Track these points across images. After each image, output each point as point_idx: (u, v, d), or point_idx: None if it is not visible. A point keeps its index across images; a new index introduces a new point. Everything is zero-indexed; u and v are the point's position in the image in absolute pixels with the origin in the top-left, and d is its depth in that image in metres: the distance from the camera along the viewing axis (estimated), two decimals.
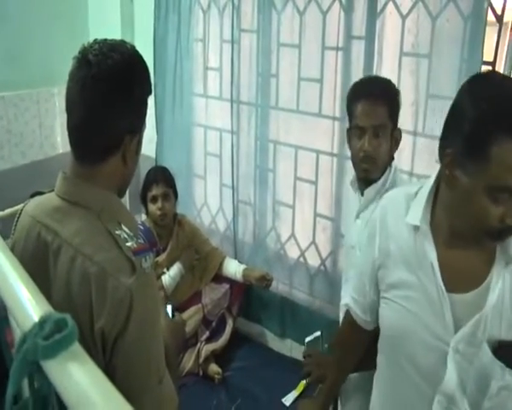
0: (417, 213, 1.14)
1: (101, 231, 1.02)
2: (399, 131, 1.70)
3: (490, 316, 1.04)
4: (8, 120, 2.88)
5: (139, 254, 1.01)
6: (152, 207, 2.71)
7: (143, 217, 3.29)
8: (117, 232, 1.03)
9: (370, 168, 1.68)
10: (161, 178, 2.72)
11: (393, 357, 1.23)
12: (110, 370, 1.00)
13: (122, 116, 1.05)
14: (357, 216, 1.76)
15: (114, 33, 3.15)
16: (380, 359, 1.33)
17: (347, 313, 1.46)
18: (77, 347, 0.68)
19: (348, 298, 1.44)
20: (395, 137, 1.68)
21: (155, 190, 2.69)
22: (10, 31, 2.88)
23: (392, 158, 1.72)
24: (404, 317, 1.16)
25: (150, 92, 1.14)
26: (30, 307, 0.77)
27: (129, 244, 1.02)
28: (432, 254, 1.11)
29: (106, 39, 1.08)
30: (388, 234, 1.22)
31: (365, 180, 1.71)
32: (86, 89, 1.02)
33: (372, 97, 1.64)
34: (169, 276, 2.71)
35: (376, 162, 1.67)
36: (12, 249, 1.09)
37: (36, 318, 0.73)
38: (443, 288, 1.08)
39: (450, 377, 1.07)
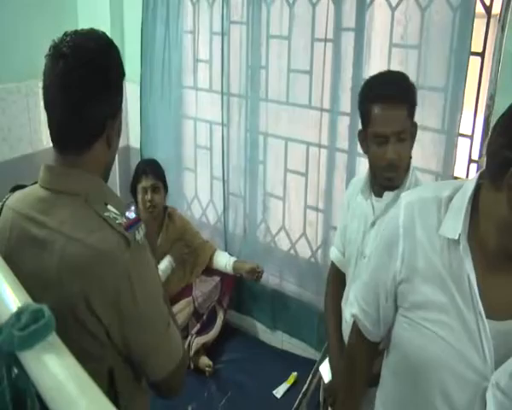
0: (456, 225, 1.00)
1: (90, 215, 1.03)
2: (415, 126, 1.58)
3: None
4: None
5: (131, 228, 1.03)
6: (141, 199, 2.70)
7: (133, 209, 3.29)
8: (106, 214, 1.04)
9: (395, 176, 1.57)
10: (151, 170, 2.71)
11: (416, 385, 1.10)
12: (123, 339, 1.06)
13: (103, 102, 1.06)
14: (373, 224, 1.65)
15: (103, 24, 3.13)
16: (391, 381, 1.24)
17: (355, 324, 1.34)
18: (54, 337, 0.67)
19: (356, 308, 1.31)
20: (411, 133, 1.56)
21: (145, 182, 2.68)
22: None
23: (411, 156, 1.62)
24: (435, 344, 1.03)
25: (124, 75, 1.15)
26: (8, 297, 0.76)
27: (119, 221, 1.03)
28: (472, 275, 0.98)
29: (76, 30, 1.08)
30: (416, 245, 1.07)
31: (389, 188, 1.60)
32: (66, 81, 1.02)
33: (391, 101, 1.50)
34: (159, 269, 2.71)
35: (401, 169, 1.56)
36: None
37: (14, 308, 0.73)
38: (483, 314, 0.97)
39: None
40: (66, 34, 1.06)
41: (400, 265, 1.09)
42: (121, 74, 1.13)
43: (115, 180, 3.40)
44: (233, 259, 2.87)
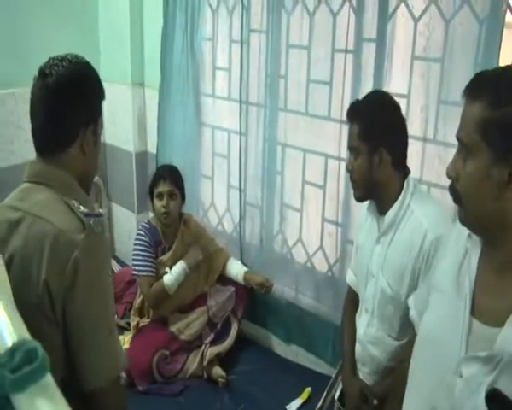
0: None
1: (58, 201, 1.19)
2: (371, 147, 1.65)
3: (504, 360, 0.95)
4: (19, 116, 2.89)
5: (89, 216, 1.17)
6: (157, 204, 2.69)
7: (150, 215, 3.29)
8: (72, 202, 1.20)
9: (354, 188, 1.73)
10: (169, 175, 2.70)
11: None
12: (65, 326, 1.14)
13: (75, 111, 1.24)
14: (378, 241, 1.71)
15: (124, 31, 3.15)
16: None
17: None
18: (47, 380, 0.65)
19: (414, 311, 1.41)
20: (367, 152, 1.65)
21: (162, 187, 2.67)
22: (19, 26, 2.90)
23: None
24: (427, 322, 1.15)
25: (100, 92, 1.32)
26: (4, 329, 0.74)
27: (81, 210, 1.18)
28: (473, 270, 1.06)
29: (59, 55, 1.26)
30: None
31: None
32: (43, 95, 1.22)
33: (347, 118, 1.71)
34: (171, 275, 2.68)
35: (356, 183, 1.71)
36: None
37: (9, 342, 0.71)
38: (468, 308, 1.04)
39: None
40: (50, 58, 1.26)
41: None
42: (94, 91, 1.30)
43: (132, 184, 3.42)
44: (244, 269, 2.84)
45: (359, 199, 1.75)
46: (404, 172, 1.69)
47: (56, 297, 1.11)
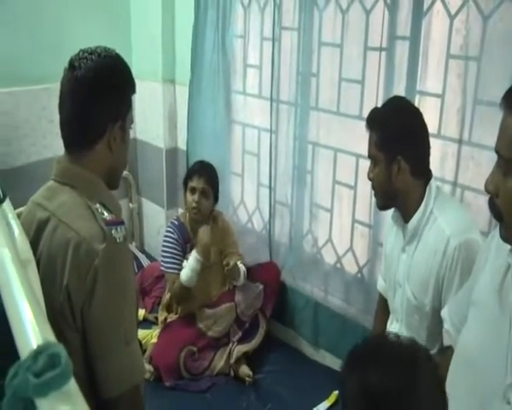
0: None
1: (82, 205, 1.19)
2: (388, 156, 1.63)
3: None
4: (52, 111, 2.93)
5: (110, 225, 1.16)
6: (189, 198, 2.70)
7: (180, 211, 3.30)
8: (95, 206, 1.20)
9: (376, 196, 1.74)
10: (205, 173, 2.71)
11: None
12: (83, 333, 1.15)
13: (102, 106, 1.22)
14: (403, 250, 1.68)
15: (155, 28, 3.17)
16: None
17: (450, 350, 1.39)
18: (70, 386, 0.64)
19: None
20: (384, 161, 1.63)
21: (195, 182, 2.67)
22: (52, 22, 2.95)
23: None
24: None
25: (131, 85, 1.30)
26: (30, 331, 0.75)
27: (104, 217, 1.18)
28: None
29: (89, 48, 1.25)
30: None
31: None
32: (71, 87, 1.21)
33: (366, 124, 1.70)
34: (185, 268, 2.65)
35: (376, 191, 1.71)
36: None
37: (34, 344, 0.71)
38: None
39: None
40: (80, 50, 1.25)
41: None
42: (123, 85, 1.28)
43: (162, 180, 3.45)
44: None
45: (381, 208, 1.75)
46: (427, 177, 1.64)
47: (76, 303, 1.12)
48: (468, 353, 1.14)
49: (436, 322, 1.59)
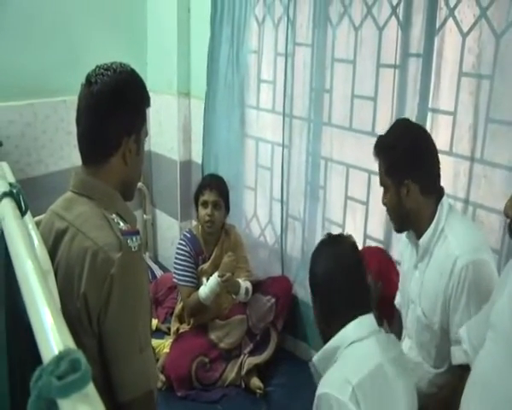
0: None
1: (99, 215, 1.23)
2: (397, 182, 1.65)
3: None
4: (69, 123, 2.99)
5: (126, 235, 1.19)
6: (201, 212, 2.72)
7: (193, 223, 3.33)
8: (111, 216, 1.23)
9: (391, 218, 1.77)
10: (216, 185, 2.74)
11: None
12: (100, 338, 1.18)
13: (117, 121, 1.25)
14: (416, 267, 1.69)
15: (171, 42, 3.23)
16: None
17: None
18: (89, 389, 0.68)
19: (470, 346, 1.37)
20: (393, 187, 1.66)
21: (207, 196, 2.70)
22: (70, 37, 3.02)
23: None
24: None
25: (145, 99, 1.32)
26: (52, 338, 0.78)
27: (120, 226, 1.21)
28: None
29: (105, 64, 1.28)
30: None
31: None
32: (88, 102, 1.25)
33: (373, 151, 1.71)
34: (205, 287, 2.66)
35: (388, 212, 1.75)
36: None
37: (55, 350, 0.74)
38: None
39: None
40: (96, 66, 1.27)
41: None
42: (138, 99, 1.31)
43: (176, 192, 3.48)
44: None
45: (398, 231, 1.76)
46: (438, 195, 1.65)
47: (93, 310, 1.15)
48: (484, 377, 1.13)
49: (445, 341, 1.59)
